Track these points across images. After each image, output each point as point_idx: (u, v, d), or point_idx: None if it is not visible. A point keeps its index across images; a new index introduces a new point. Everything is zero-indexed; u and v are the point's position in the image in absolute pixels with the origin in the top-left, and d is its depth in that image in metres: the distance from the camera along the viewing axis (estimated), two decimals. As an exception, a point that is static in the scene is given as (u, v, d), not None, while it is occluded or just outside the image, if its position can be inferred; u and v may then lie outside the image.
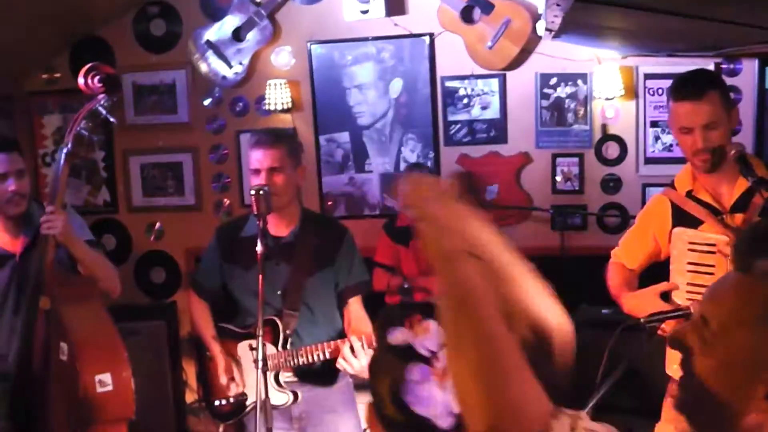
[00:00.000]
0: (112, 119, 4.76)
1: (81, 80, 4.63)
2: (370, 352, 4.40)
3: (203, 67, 7.53)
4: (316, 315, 4.70)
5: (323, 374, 4.68)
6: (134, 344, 5.95)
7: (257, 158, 4.53)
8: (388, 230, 6.94)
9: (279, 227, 4.63)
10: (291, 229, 4.67)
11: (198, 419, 7.61)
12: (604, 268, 6.67)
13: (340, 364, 4.45)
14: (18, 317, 4.68)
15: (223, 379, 4.68)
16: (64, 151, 4.59)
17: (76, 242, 4.61)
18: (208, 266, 4.90)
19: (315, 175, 7.56)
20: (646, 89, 7.01)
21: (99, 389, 4.33)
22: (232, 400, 4.73)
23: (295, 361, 4.52)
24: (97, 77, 4.61)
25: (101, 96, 4.64)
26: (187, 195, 7.93)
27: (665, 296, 4.11)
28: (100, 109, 4.65)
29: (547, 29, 5.51)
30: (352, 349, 4.40)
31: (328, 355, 4.49)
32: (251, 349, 4.55)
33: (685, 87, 4.06)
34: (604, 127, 7.15)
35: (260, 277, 4.22)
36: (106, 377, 4.35)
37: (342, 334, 4.70)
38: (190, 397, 7.89)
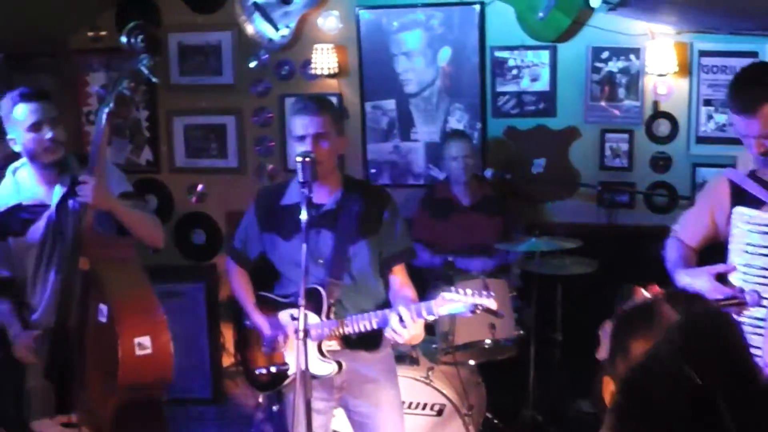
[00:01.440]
0: (154, 79, 4.69)
1: (123, 39, 4.54)
2: (420, 321, 4.34)
3: (249, 29, 7.47)
4: (360, 283, 4.58)
5: (369, 340, 4.60)
6: (173, 306, 5.94)
7: (303, 124, 4.44)
8: (426, 204, 6.87)
9: (321, 195, 4.50)
10: (333, 196, 4.58)
11: (234, 382, 7.60)
12: (650, 247, 6.59)
13: (389, 333, 4.37)
14: (51, 271, 4.68)
15: (271, 336, 4.61)
16: (105, 110, 4.51)
17: (114, 205, 4.57)
18: (247, 235, 4.80)
19: (360, 142, 7.52)
20: (701, 66, 6.86)
21: (138, 352, 4.28)
22: (273, 369, 4.66)
23: (341, 330, 4.44)
24: (140, 36, 4.52)
25: (143, 55, 4.57)
26: (230, 157, 7.92)
27: (721, 276, 4.00)
28: (142, 68, 4.57)
29: (605, 1, 5.39)
30: (400, 319, 4.32)
31: (375, 325, 4.40)
32: (293, 318, 4.46)
33: (736, 101, 3.94)
34: (655, 103, 7.02)
35: (304, 246, 4.12)
36: (146, 340, 4.30)
37: (386, 303, 4.62)
38: (227, 360, 7.88)
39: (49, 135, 4.54)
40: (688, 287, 4.00)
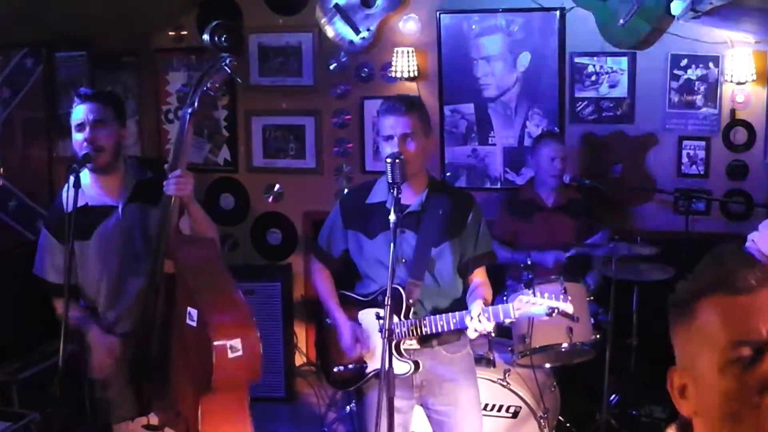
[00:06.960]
0: (237, 79, 4.72)
1: (206, 38, 4.53)
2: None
3: (330, 32, 7.53)
4: (441, 285, 4.63)
5: (447, 340, 4.65)
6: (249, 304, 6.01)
7: (391, 124, 4.47)
8: (508, 205, 6.90)
9: (406, 195, 4.52)
10: (418, 197, 4.62)
11: (307, 382, 7.67)
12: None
13: (472, 334, 4.43)
14: (126, 277, 4.62)
15: (348, 342, 4.65)
16: (189, 110, 4.50)
17: (195, 203, 4.58)
18: (331, 233, 4.85)
19: (438, 146, 7.55)
20: (779, 75, 6.84)
21: (231, 355, 4.22)
22: (350, 366, 4.71)
23: (419, 331, 4.49)
24: (223, 36, 4.53)
25: (226, 55, 4.54)
26: (308, 158, 7.98)
27: None
28: (225, 68, 4.53)
29: (692, 9, 5.37)
30: (479, 320, 4.36)
31: (452, 326, 4.45)
32: (378, 318, 4.51)
33: None
34: (733, 112, 7.00)
35: (392, 246, 4.17)
36: (237, 343, 4.24)
37: (464, 303, 4.62)
38: (300, 360, 7.95)
39: (86, 136, 4.49)
40: None
